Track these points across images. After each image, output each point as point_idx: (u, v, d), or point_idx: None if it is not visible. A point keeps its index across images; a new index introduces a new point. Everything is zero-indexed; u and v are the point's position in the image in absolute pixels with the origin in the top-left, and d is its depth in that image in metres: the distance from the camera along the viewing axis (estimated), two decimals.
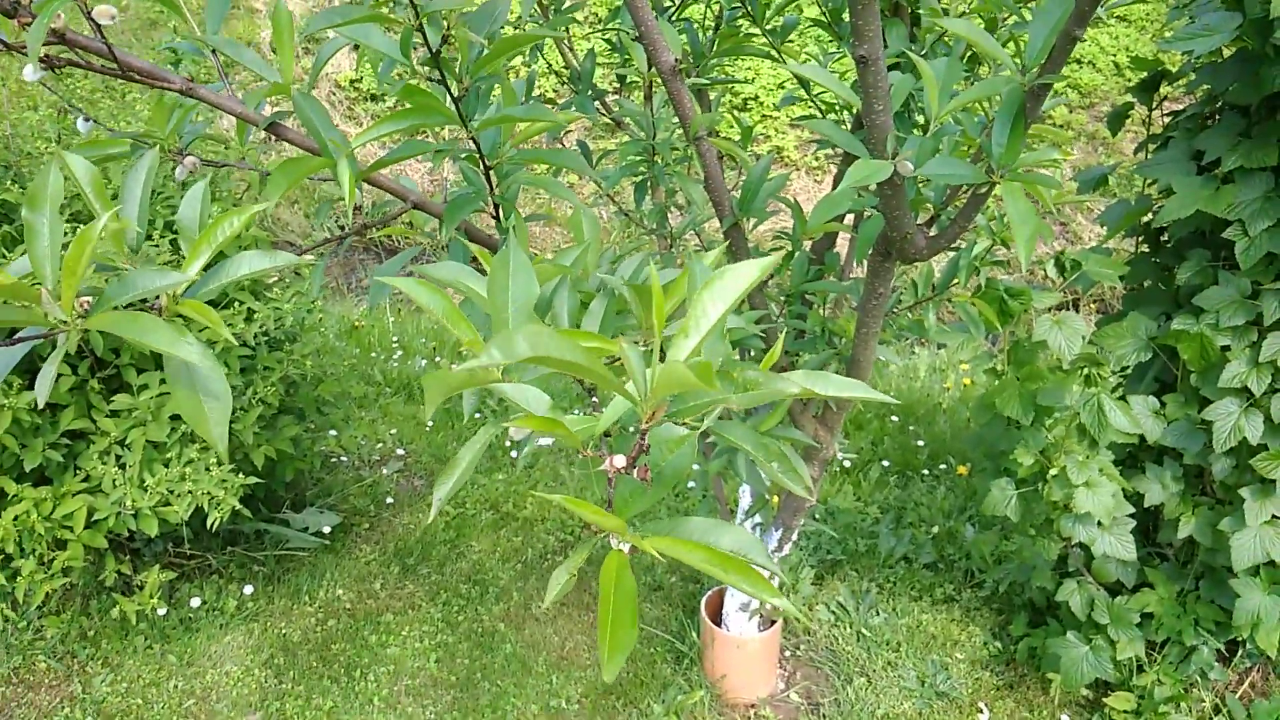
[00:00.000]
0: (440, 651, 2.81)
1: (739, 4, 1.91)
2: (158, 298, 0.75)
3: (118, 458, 2.47)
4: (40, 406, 2.33)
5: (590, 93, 1.95)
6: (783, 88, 6.49)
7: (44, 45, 0.98)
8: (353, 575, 3.10)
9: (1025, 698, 2.63)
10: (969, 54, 1.85)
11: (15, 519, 2.35)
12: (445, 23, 1.02)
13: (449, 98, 1.07)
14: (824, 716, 2.59)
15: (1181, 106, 2.47)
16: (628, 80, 2.05)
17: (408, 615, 2.94)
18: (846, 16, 1.67)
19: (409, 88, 0.99)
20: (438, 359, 4.57)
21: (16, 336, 0.72)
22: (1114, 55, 6.89)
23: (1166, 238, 2.52)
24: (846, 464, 3.67)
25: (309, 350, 2.91)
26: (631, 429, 0.70)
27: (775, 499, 2.62)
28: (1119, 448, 2.52)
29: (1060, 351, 2.22)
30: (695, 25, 1.91)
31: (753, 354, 2.04)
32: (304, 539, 3.12)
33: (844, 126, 2.20)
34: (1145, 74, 2.47)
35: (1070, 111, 6.62)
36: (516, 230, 1.15)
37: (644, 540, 0.65)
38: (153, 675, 2.69)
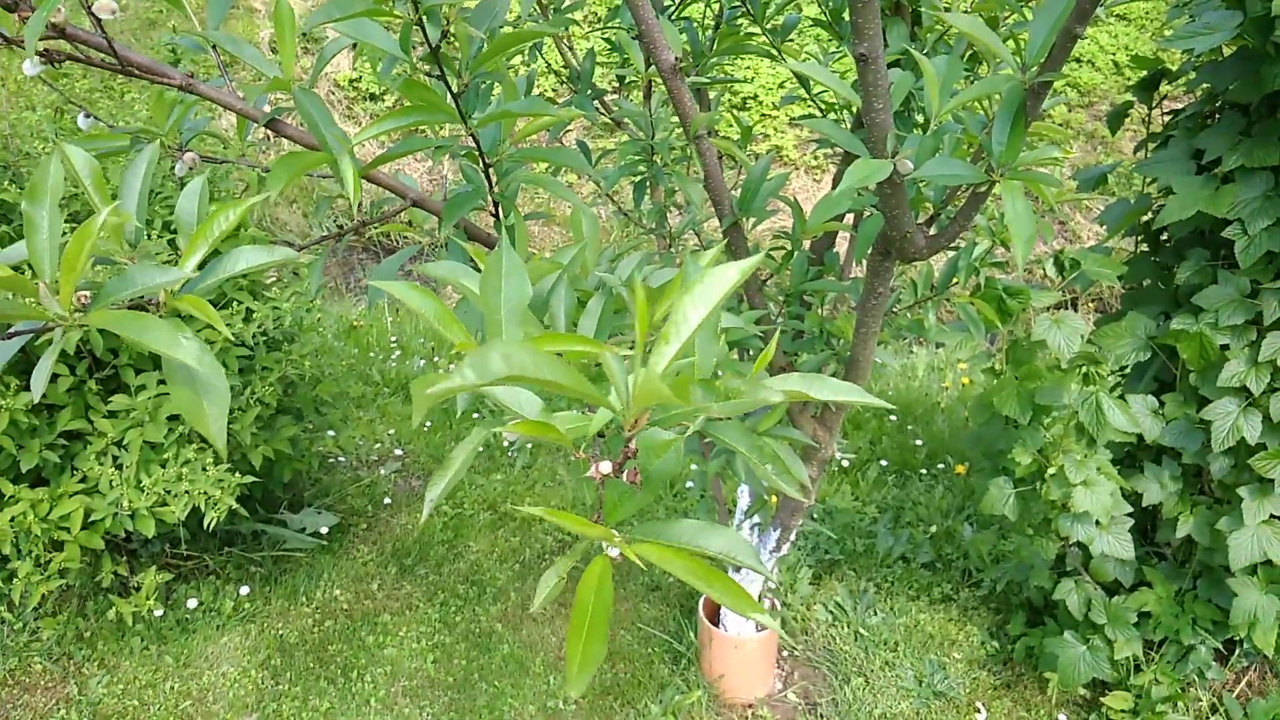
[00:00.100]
0: (437, 652, 2.80)
1: (739, 3, 1.91)
2: (156, 294, 0.75)
3: (115, 458, 2.46)
4: (36, 402, 2.33)
5: (589, 92, 1.95)
6: (782, 87, 6.49)
7: (43, 40, 0.97)
8: (350, 576, 3.09)
9: (1023, 697, 2.63)
10: (969, 52, 1.85)
11: (12, 520, 2.34)
12: (445, 18, 1.02)
13: (449, 94, 1.06)
14: (822, 716, 2.59)
15: (1181, 105, 2.47)
16: (627, 80, 2.05)
17: (405, 616, 2.94)
18: (847, 15, 1.66)
19: (409, 83, 0.99)
20: (436, 359, 4.57)
21: (12, 330, 0.72)
22: (1113, 54, 6.90)
23: (1166, 237, 2.52)
24: (845, 463, 3.67)
25: (307, 350, 2.91)
26: (619, 434, 0.69)
27: (774, 499, 2.62)
28: (1117, 447, 2.52)
29: (1059, 350, 2.22)
30: (695, 24, 1.91)
31: (751, 354, 2.04)
32: (301, 539, 3.11)
33: (844, 125, 2.20)
34: (1145, 72, 2.47)
35: (1069, 110, 6.62)
36: (515, 229, 1.15)
37: (629, 546, 0.64)
38: (149, 677, 2.69)
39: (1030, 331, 2.27)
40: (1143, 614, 2.44)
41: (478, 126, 1.10)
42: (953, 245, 1.50)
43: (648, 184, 1.93)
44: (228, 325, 2.56)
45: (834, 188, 1.81)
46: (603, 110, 2.04)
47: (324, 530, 3.18)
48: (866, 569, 3.10)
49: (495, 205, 1.20)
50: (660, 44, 1.36)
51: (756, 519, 2.42)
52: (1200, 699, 2.48)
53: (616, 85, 2.30)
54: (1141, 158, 2.47)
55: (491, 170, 1.18)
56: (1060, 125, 6.48)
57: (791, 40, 1.94)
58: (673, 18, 1.96)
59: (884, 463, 3.70)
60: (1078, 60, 6.81)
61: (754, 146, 6.40)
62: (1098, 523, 2.30)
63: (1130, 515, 2.34)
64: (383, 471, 3.66)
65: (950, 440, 3.85)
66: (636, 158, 1.86)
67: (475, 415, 4.01)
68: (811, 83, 2.08)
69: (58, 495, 2.42)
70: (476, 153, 1.15)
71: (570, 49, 2.16)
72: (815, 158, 6.44)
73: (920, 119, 1.81)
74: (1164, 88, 2.47)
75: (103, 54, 1.05)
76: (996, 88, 1.13)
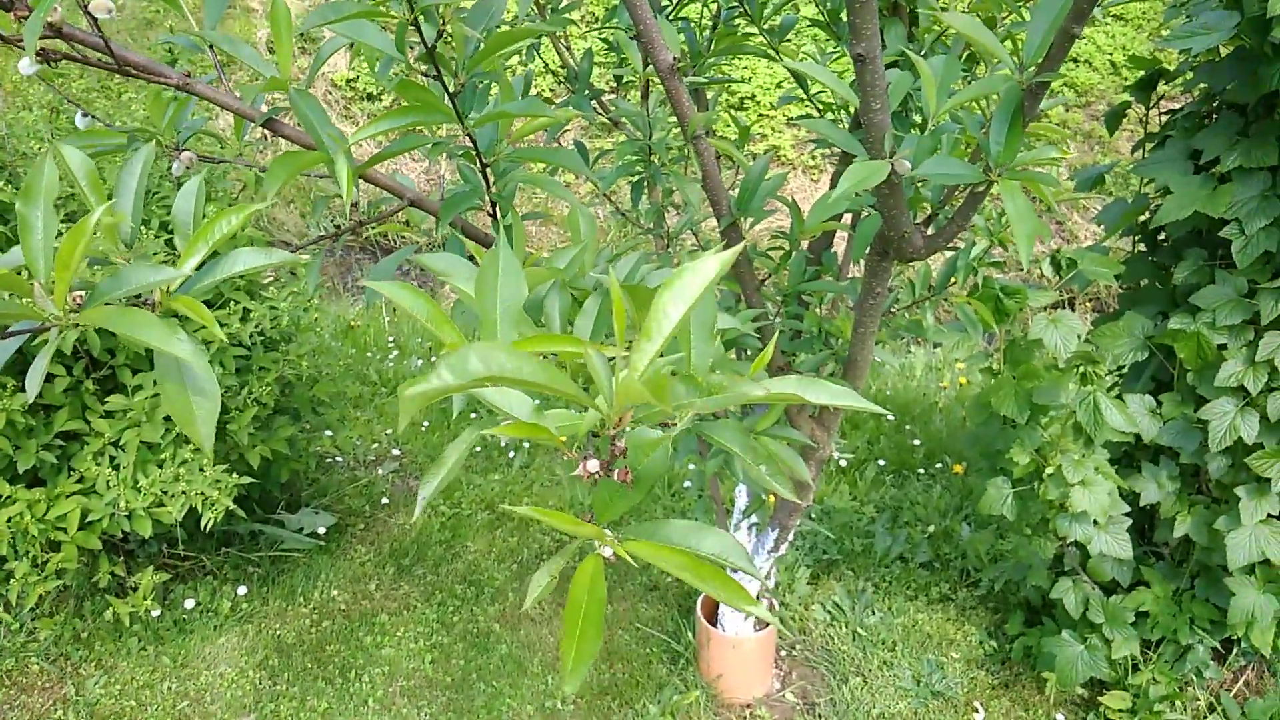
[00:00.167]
0: (435, 652, 2.80)
1: (736, 3, 1.91)
2: (151, 293, 0.75)
3: (112, 459, 2.46)
4: (31, 401, 2.33)
5: (587, 92, 1.95)
6: (780, 87, 6.49)
7: (40, 39, 0.97)
8: (348, 576, 3.09)
9: (1020, 697, 2.63)
10: (967, 53, 1.85)
11: (9, 521, 2.34)
12: (441, 18, 1.01)
13: (445, 95, 1.06)
14: (819, 716, 2.59)
15: (1179, 105, 2.47)
16: (624, 80, 2.05)
17: (403, 616, 2.93)
18: (844, 16, 1.66)
19: (405, 83, 0.99)
20: (434, 359, 4.56)
21: (9, 331, 0.71)
22: (1111, 54, 6.90)
23: (1163, 237, 2.52)
24: (843, 463, 3.67)
25: (305, 350, 2.91)
26: (605, 433, 0.68)
27: (771, 499, 2.62)
28: (1115, 446, 2.52)
29: (1056, 350, 2.22)
30: (692, 24, 1.91)
31: (749, 354, 2.04)
32: (299, 540, 3.11)
33: (841, 126, 2.20)
34: (1142, 73, 2.47)
35: (1067, 110, 6.63)
36: (513, 229, 1.15)
37: (621, 545, 0.64)
38: (146, 677, 2.68)
39: (1028, 331, 2.27)
40: (1140, 613, 2.44)
41: (474, 126, 1.09)
42: (951, 245, 1.50)
43: (645, 184, 1.93)
44: (224, 325, 2.56)
45: (832, 187, 1.81)
46: (600, 110, 2.04)
47: (321, 530, 3.17)
48: (864, 569, 3.10)
49: (493, 205, 1.20)
50: (658, 44, 1.36)
51: (754, 519, 2.42)
52: (1198, 698, 2.48)
53: (614, 85, 2.30)
54: (1139, 158, 2.47)
55: (489, 170, 1.18)
56: (1057, 125, 6.48)
57: (789, 40, 1.94)
58: (670, 18, 1.96)
59: (882, 462, 3.71)
60: (1075, 60, 6.82)
61: (751, 146, 6.40)
62: (1095, 522, 2.30)
63: (1128, 515, 2.34)
64: (380, 471, 3.66)
65: (948, 440, 3.85)
66: (634, 158, 1.86)
67: (473, 415, 4.00)
68: (809, 82, 2.08)
69: (55, 496, 2.41)
70: (474, 152, 1.15)
71: (568, 49, 2.16)
72: (813, 157, 6.44)
73: (918, 119, 1.81)
74: (1161, 88, 2.48)
75: (99, 54, 1.05)
76: (994, 87, 1.13)
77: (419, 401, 0.65)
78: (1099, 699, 2.48)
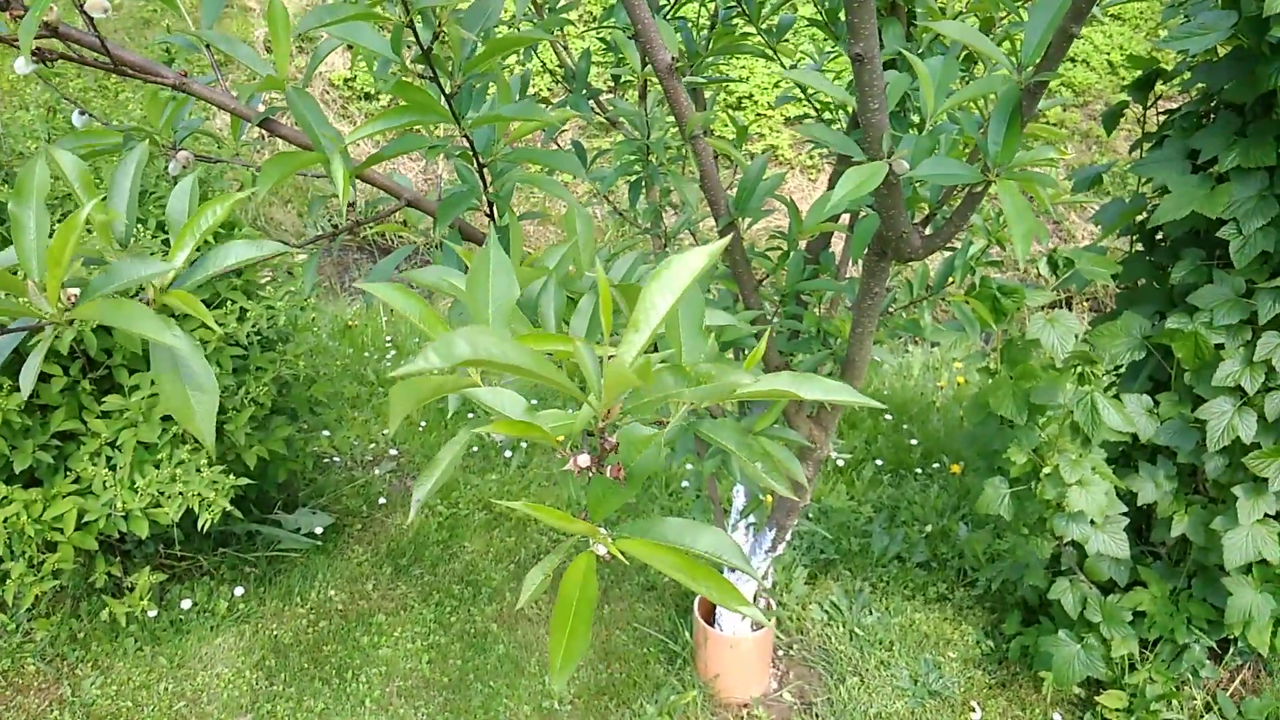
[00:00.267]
0: (432, 652, 2.80)
1: (734, 3, 1.90)
2: (145, 290, 0.75)
3: (108, 459, 2.45)
4: (26, 400, 2.32)
5: (585, 92, 1.94)
6: (778, 86, 6.49)
7: (36, 38, 0.97)
8: (345, 576, 3.09)
9: (1018, 696, 2.64)
10: (965, 52, 1.85)
11: (5, 521, 2.33)
12: (437, 20, 1.01)
13: (442, 96, 1.06)
14: (817, 716, 2.59)
15: (1176, 105, 2.47)
16: (622, 79, 2.05)
17: (400, 616, 2.93)
18: (842, 16, 1.66)
19: (401, 84, 0.98)
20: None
21: (3, 330, 0.71)
22: (1108, 54, 6.91)
23: (1161, 236, 2.52)
24: (840, 463, 3.67)
25: (302, 350, 2.90)
26: (597, 428, 0.68)
27: (769, 498, 2.62)
28: (1112, 446, 2.53)
29: (1053, 350, 2.22)
30: (690, 24, 1.91)
31: (746, 354, 2.03)
32: (296, 540, 3.11)
33: (839, 124, 2.20)
34: (1140, 72, 2.47)
35: (1064, 110, 6.63)
36: (510, 229, 1.15)
37: (615, 543, 0.64)
38: (143, 678, 2.68)
39: (1025, 331, 2.27)
40: (1137, 613, 2.44)
41: (471, 128, 1.09)
42: (948, 245, 1.50)
43: (643, 184, 1.93)
44: (220, 325, 2.55)
45: (830, 187, 1.81)
46: (598, 110, 2.04)
47: (319, 531, 3.17)
48: (862, 568, 3.10)
49: (490, 205, 1.20)
50: (656, 43, 1.36)
51: (752, 519, 2.42)
52: (1195, 698, 2.48)
53: (612, 85, 2.29)
54: (1137, 157, 2.47)
55: (486, 170, 1.17)
56: (1055, 125, 6.49)
57: (787, 40, 1.94)
58: (668, 17, 1.96)
59: (879, 462, 3.71)
60: (1072, 60, 6.82)
61: (749, 146, 6.40)
62: (1093, 522, 2.31)
63: (1125, 514, 2.34)
64: (378, 471, 3.65)
65: (945, 439, 3.86)
66: (632, 157, 1.86)
67: (470, 415, 4.00)
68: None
69: (51, 496, 2.41)
70: (471, 153, 1.15)
71: (565, 48, 2.15)
72: (811, 157, 6.44)
73: (916, 119, 1.81)
74: (1159, 87, 2.48)
75: (95, 53, 1.05)
76: (992, 87, 1.13)
77: (407, 395, 0.65)
78: (1096, 698, 2.48)
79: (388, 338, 4.71)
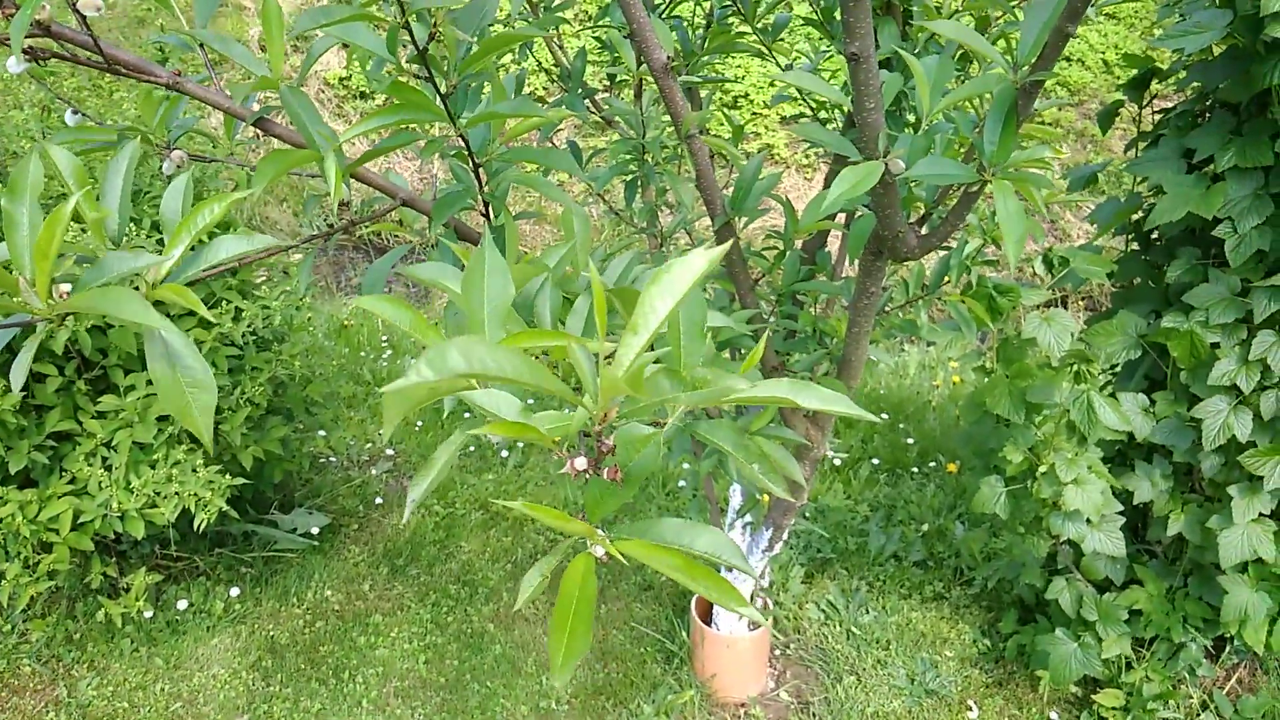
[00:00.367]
0: (429, 653, 2.79)
1: (730, 2, 1.90)
2: (137, 286, 0.74)
3: (104, 459, 2.45)
4: (21, 399, 2.31)
5: (580, 91, 1.94)
6: (773, 85, 6.49)
7: (28, 37, 0.96)
8: (341, 576, 3.08)
9: (1014, 695, 2.64)
10: (961, 52, 1.85)
11: (0, 522, 2.32)
12: (432, 20, 1.01)
13: (437, 95, 1.05)
14: (814, 715, 2.59)
15: (1172, 104, 2.47)
16: (618, 78, 2.05)
17: (396, 616, 2.93)
18: (838, 15, 1.66)
19: (396, 84, 0.98)
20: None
21: None
22: (1103, 53, 6.92)
23: (1156, 235, 2.52)
24: (837, 462, 3.68)
25: (297, 350, 2.89)
26: (593, 430, 0.68)
27: (766, 498, 2.62)
28: (1108, 445, 2.53)
29: (1049, 349, 2.22)
30: (685, 23, 1.90)
31: (743, 353, 2.03)
32: (292, 540, 3.10)
33: (835, 124, 2.20)
34: (1135, 71, 2.47)
35: (1060, 109, 6.64)
36: (506, 229, 1.14)
37: (613, 544, 0.64)
38: (139, 678, 2.67)
39: (1021, 330, 2.28)
40: (1134, 611, 2.45)
41: (466, 127, 1.09)
42: (944, 244, 1.50)
43: (639, 183, 1.93)
44: (216, 325, 2.55)
45: (826, 187, 1.80)
46: (594, 109, 2.04)
47: (315, 531, 3.16)
48: (859, 567, 3.10)
49: (485, 205, 1.20)
50: (652, 43, 1.36)
51: (749, 518, 2.41)
52: (1191, 696, 2.49)
53: (608, 84, 2.29)
54: (1132, 157, 2.47)
55: (481, 170, 1.17)
56: (1050, 124, 6.49)
57: (782, 39, 1.94)
58: (664, 16, 1.95)
59: (876, 461, 3.71)
60: (1068, 59, 6.83)
61: (745, 145, 6.40)
62: (1089, 521, 2.31)
63: (1121, 513, 2.34)
64: (374, 472, 3.65)
65: (942, 438, 3.86)
66: (628, 157, 1.86)
67: (466, 415, 4.00)
68: None
69: (46, 496, 2.40)
70: (466, 152, 1.14)
71: (561, 47, 2.15)
72: (807, 156, 6.44)
73: (912, 118, 1.81)
74: (1154, 86, 2.48)
75: (89, 52, 1.05)
76: (988, 87, 1.13)
77: (400, 400, 0.64)
78: (1092, 697, 2.48)
79: (384, 337, 4.70)
